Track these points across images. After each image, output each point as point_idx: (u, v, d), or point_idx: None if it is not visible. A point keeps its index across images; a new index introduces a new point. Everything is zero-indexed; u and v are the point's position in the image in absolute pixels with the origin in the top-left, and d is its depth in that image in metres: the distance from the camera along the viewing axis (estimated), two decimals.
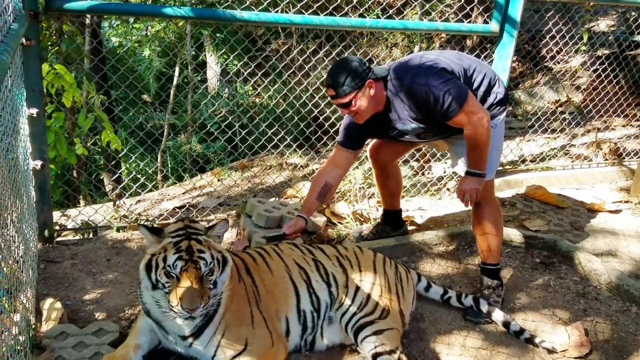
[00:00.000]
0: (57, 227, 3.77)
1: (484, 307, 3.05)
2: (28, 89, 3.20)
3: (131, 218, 4.20)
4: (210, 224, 2.56)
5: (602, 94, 5.77)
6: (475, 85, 3.08)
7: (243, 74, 5.86)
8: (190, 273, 2.26)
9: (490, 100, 3.10)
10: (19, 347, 2.17)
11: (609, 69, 5.76)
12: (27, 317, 2.51)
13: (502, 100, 3.14)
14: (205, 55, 10.43)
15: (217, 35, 8.81)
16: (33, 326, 2.59)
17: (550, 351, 2.83)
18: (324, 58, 5.20)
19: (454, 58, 3.10)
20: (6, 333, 2.06)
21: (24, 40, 3.00)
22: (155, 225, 2.38)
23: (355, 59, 3.00)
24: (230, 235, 3.94)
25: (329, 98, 3.27)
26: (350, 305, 2.72)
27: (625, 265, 3.70)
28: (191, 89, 7.10)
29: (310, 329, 2.73)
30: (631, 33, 6.77)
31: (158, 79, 10.32)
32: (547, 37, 5.45)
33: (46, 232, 3.56)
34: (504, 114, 3.19)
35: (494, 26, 4.31)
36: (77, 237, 3.86)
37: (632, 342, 2.93)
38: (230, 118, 5.09)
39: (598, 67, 6.37)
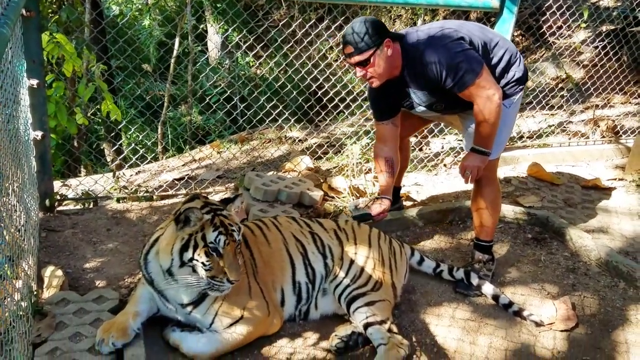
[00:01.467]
0: (58, 197, 3.82)
1: (475, 280, 3.13)
2: (28, 60, 3.22)
3: (131, 189, 4.26)
4: (220, 196, 2.62)
5: (602, 71, 5.76)
6: (495, 60, 3.03)
7: (242, 46, 5.84)
8: (231, 247, 2.38)
9: (509, 77, 3.06)
10: (21, 313, 2.24)
11: (608, 47, 5.75)
12: (29, 284, 2.57)
13: (521, 79, 3.08)
14: (205, 25, 10.35)
15: (218, 5, 8.74)
16: (35, 293, 2.66)
17: (538, 324, 2.91)
18: (324, 32, 5.19)
19: (475, 29, 3.05)
20: (9, 299, 2.13)
21: (24, 11, 3.01)
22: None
23: (373, 18, 2.96)
24: None
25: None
26: (344, 278, 2.79)
27: (615, 242, 3.76)
28: (191, 61, 7.08)
29: (304, 300, 2.81)
30: (632, 10, 6.73)
31: (158, 50, 10.26)
32: (548, 13, 5.41)
33: (47, 202, 3.62)
34: (521, 93, 3.14)
35: (494, 2, 4.28)
36: (77, 207, 3.92)
37: (618, 317, 3.01)
38: (229, 91, 5.10)
39: (599, 43, 6.35)
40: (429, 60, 2.89)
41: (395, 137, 3.36)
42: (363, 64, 2.92)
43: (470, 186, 3.38)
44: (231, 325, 2.50)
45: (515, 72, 3.06)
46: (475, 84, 2.84)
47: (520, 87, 3.11)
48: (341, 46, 3.01)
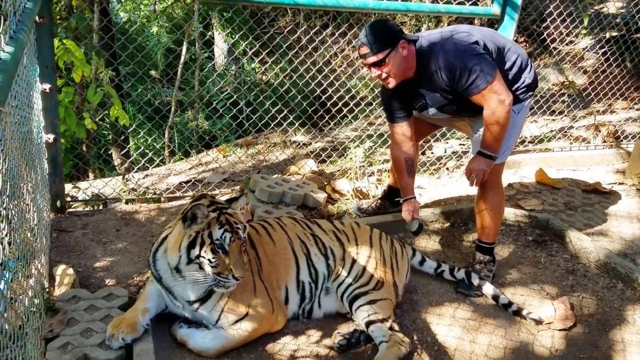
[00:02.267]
0: (69, 199, 3.91)
1: (475, 281, 3.19)
2: (41, 65, 3.32)
3: (139, 191, 4.35)
4: (226, 198, 2.70)
5: (602, 77, 5.82)
6: (508, 65, 3.08)
7: (248, 52, 5.93)
8: (236, 244, 2.46)
9: (519, 83, 3.11)
10: (34, 309, 2.32)
11: (609, 53, 5.80)
12: (41, 282, 2.65)
13: (531, 85, 3.14)
14: (213, 32, 10.48)
15: (224, 14, 8.87)
16: (47, 290, 2.74)
17: (537, 321, 2.96)
18: (328, 38, 5.28)
19: (489, 34, 3.10)
20: (22, 295, 2.21)
21: (37, 18, 3.10)
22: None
23: (389, 20, 3.02)
24: None
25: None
26: (346, 277, 2.86)
27: (614, 244, 3.81)
28: (198, 67, 7.19)
29: (308, 299, 2.87)
30: (632, 17, 6.78)
31: (166, 56, 10.39)
32: (548, 19, 5.47)
33: (58, 203, 3.71)
34: (530, 99, 3.19)
35: (495, 9, 4.36)
36: (87, 209, 4.01)
37: (615, 317, 3.07)
38: (235, 96, 5.20)
39: (601, 50, 6.41)
40: (443, 62, 2.95)
41: (411, 138, 3.39)
42: (378, 64, 2.97)
43: (472, 189, 3.44)
44: (237, 322, 2.57)
45: (526, 78, 3.12)
46: (488, 88, 2.88)
47: (530, 93, 3.16)
48: (357, 48, 3.06)
